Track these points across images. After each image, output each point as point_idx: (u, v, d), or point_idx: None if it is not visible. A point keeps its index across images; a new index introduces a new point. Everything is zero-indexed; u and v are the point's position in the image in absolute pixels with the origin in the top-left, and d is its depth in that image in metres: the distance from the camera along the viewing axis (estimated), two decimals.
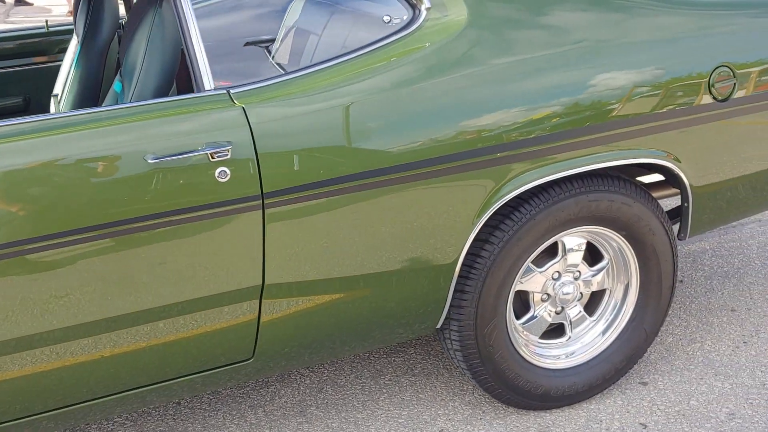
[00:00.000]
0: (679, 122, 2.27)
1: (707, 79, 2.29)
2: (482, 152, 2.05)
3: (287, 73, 2.00)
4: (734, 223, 3.65)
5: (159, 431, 2.44)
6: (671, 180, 2.42)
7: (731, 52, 2.34)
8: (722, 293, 3.13)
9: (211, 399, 2.58)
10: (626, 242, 2.37)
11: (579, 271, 2.40)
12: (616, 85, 2.18)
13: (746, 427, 2.39)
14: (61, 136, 1.78)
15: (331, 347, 2.20)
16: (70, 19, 3.72)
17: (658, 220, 2.35)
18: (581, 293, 2.44)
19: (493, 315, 2.25)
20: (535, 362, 2.41)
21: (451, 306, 2.23)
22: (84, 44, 2.70)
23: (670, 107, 2.24)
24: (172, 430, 2.45)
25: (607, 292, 2.49)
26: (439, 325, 2.28)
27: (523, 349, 2.39)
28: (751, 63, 2.37)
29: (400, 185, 2.00)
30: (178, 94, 2.21)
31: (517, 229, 2.17)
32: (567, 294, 2.39)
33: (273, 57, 2.42)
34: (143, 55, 2.18)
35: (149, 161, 1.78)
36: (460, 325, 2.24)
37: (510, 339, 2.35)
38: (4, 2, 9.71)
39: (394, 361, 2.75)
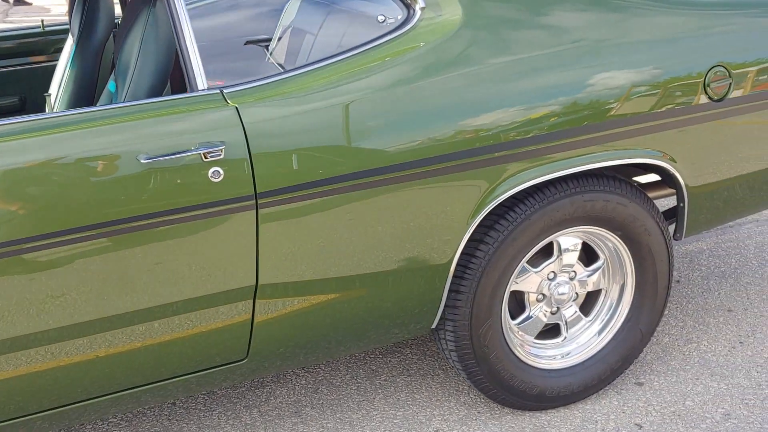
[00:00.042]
0: (675, 122, 2.26)
1: (703, 79, 2.28)
2: (477, 152, 2.05)
3: (280, 73, 1.99)
4: (731, 223, 3.65)
5: (154, 431, 2.44)
6: (667, 180, 2.42)
7: (727, 52, 2.34)
8: (719, 293, 3.13)
9: (206, 399, 2.58)
10: (622, 242, 2.37)
11: (574, 272, 2.40)
12: (613, 84, 2.17)
13: (741, 427, 2.39)
14: (53, 136, 1.77)
15: (327, 347, 2.19)
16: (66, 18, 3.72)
17: (653, 220, 2.34)
18: (577, 293, 2.44)
19: (488, 315, 2.25)
20: (530, 362, 2.41)
21: (446, 306, 2.23)
22: (79, 44, 2.70)
23: (666, 107, 2.24)
24: (167, 431, 2.44)
25: (603, 292, 2.49)
26: (434, 326, 2.28)
27: (519, 349, 2.39)
28: (747, 63, 2.36)
29: (394, 185, 2.00)
30: (173, 93, 2.21)
31: (512, 229, 2.17)
32: (562, 294, 2.39)
33: (268, 57, 2.42)
34: (137, 54, 2.17)
35: (142, 161, 1.78)
36: (455, 326, 2.24)
37: (505, 339, 2.34)
38: (8, 2, 9.71)
39: (389, 361, 2.75)
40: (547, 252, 2.35)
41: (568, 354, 2.47)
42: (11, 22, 8.95)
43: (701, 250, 3.47)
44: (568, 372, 2.46)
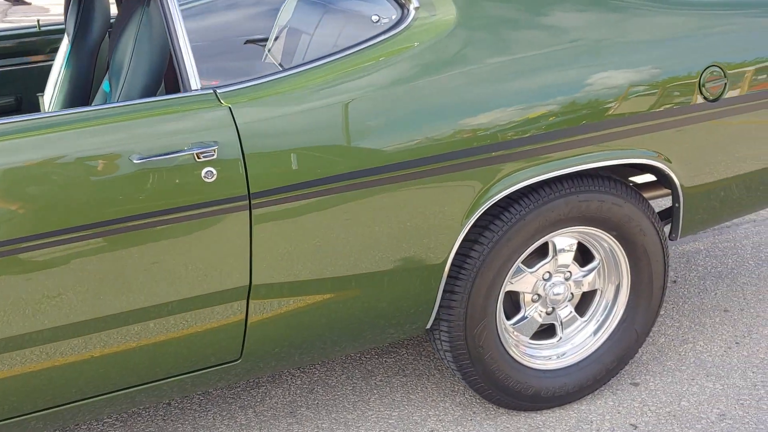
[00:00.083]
0: (670, 122, 2.26)
1: (698, 79, 2.28)
2: (472, 152, 2.04)
3: (274, 73, 1.99)
4: (728, 224, 3.65)
5: (149, 431, 2.45)
6: (663, 180, 2.42)
7: (722, 52, 2.33)
8: (715, 293, 3.12)
9: (201, 399, 2.57)
10: (617, 243, 2.37)
11: (570, 272, 2.40)
12: (611, 84, 2.17)
13: (736, 428, 2.38)
14: (46, 136, 1.77)
15: (322, 348, 2.19)
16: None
17: (648, 220, 2.34)
18: (572, 294, 2.44)
19: (483, 315, 2.25)
20: (525, 363, 2.41)
21: (440, 306, 2.22)
22: (75, 44, 2.69)
23: (661, 107, 2.24)
24: (162, 431, 2.44)
25: (598, 292, 2.49)
26: (429, 326, 2.28)
27: (514, 349, 2.39)
28: (742, 63, 2.36)
29: (389, 185, 2.00)
30: (167, 93, 2.20)
31: (507, 229, 2.17)
32: (558, 294, 2.39)
33: (263, 57, 2.41)
34: (131, 54, 2.17)
35: (135, 161, 1.78)
36: (449, 326, 2.24)
37: (500, 340, 2.34)
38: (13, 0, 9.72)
39: (385, 361, 2.75)
40: (542, 252, 2.35)
41: (563, 354, 2.47)
42: (9, 22, 8.95)
43: (698, 250, 3.47)
44: (564, 372, 2.45)
